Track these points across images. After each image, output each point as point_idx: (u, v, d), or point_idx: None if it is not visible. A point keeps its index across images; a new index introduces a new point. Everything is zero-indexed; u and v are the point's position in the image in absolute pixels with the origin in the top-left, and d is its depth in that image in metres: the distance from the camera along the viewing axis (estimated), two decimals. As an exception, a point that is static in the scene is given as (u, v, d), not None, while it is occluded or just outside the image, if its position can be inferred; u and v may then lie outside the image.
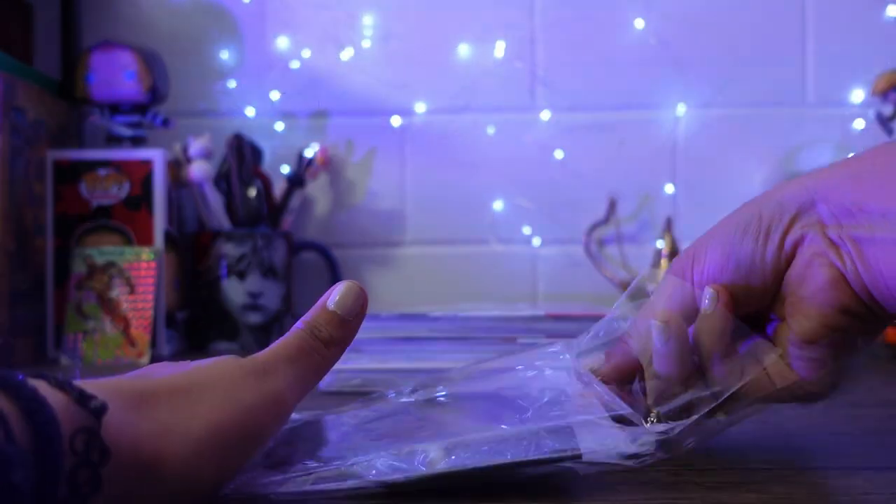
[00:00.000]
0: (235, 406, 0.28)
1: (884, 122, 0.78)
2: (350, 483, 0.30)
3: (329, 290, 0.34)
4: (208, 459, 0.27)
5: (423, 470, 0.30)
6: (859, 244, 0.31)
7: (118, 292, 0.75)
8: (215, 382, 0.28)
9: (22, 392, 0.22)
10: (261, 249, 0.81)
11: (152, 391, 0.27)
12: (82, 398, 0.23)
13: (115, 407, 0.24)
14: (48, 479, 0.21)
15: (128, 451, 0.24)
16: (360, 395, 0.53)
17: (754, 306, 0.35)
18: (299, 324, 0.33)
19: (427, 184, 0.93)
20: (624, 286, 0.84)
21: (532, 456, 0.31)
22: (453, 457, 0.31)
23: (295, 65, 0.93)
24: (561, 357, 0.38)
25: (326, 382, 0.55)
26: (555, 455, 0.31)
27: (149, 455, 0.25)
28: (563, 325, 0.60)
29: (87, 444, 0.23)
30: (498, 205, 0.93)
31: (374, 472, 0.30)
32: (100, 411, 0.23)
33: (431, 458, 0.30)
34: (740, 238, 0.35)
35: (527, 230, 0.93)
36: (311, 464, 0.32)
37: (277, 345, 0.32)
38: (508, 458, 0.31)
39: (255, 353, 0.31)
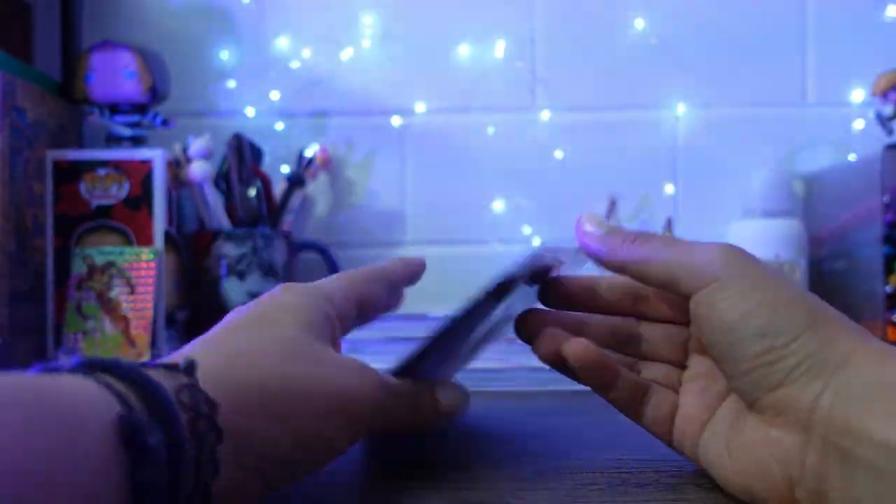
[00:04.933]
0: (332, 383, 0.29)
1: (884, 122, 0.78)
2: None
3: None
4: (304, 430, 0.28)
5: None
6: (848, 462, 0.25)
7: (118, 292, 0.75)
8: (306, 355, 0.30)
9: (125, 371, 0.23)
10: (261, 249, 0.81)
11: (235, 350, 0.28)
12: (167, 366, 0.25)
13: (207, 362, 0.26)
14: (174, 436, 0.22)
15: (232, 403, 0.25)
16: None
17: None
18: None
19: (427, 184, 0.93)
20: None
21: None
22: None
23: (295, 65, 0.93)
24: None
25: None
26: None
27: (251, 411, 0.26)
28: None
29: (192, 398, 0.24)
30: (498, 205, 0.93)
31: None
32: (190, 367, 0.25)
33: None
34: (745, 324, 0.29)
35: (527, 230, 0.93)
36: None
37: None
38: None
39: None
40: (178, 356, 0.27)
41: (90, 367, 0.23)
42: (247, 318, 0.31)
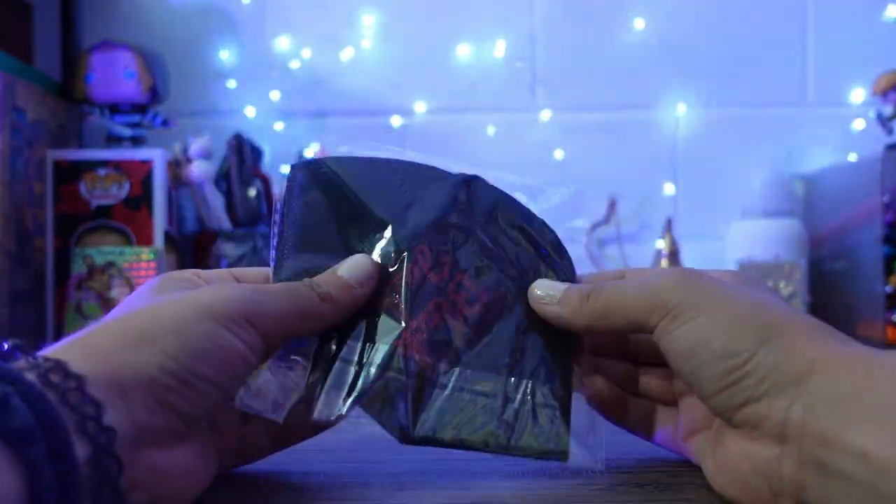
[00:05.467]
0: (183, 301, 0.29)
1: (884, 122, 0.78)
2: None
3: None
4: (172, 350, 0.27)
5: (418, 433, 0.32)
6: (826, 471, 0.25)
7: (118, 292, 0.75)
8: (167, 326, 0.29)
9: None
10: (261, 249, 0.81)
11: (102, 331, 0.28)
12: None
13: (65, 350, 0.26)
14: (22, 389, 0.22)
15: (92, 363, 0.25)
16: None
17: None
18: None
19: (427, 184, 0.93)
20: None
21: (517, 450, 0.32)
22: (448, 429, 0.32)
23: (295, 65, 0.93)
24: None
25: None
26: (541, 453, 0.32)
27: (112, 357, 0.26)
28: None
29: (32, 362, 0.24)
30: (498, 205, 0.93)
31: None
32: (15, 346, 0.26)
33: (428, 425, 0.32)
34: (707, 356, 0.29)
35: (527, 230, 0.93)
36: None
37: (270, 284, 0.33)
38: (492, 444, 0.32)
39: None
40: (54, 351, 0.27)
41: None
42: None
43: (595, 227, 0.91)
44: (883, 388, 0.25)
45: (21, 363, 0.24)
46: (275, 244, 0.34)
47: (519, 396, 0.33)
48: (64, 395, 0.23)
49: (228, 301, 0.29)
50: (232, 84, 0.93)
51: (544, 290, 0.35)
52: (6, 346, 0.27)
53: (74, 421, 0.23)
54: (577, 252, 0.98)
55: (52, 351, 0.26)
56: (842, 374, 0.26)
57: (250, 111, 0.93)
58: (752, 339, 0.28)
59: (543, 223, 0.40)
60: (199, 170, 0.81)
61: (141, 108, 0.82)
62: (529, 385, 0.34)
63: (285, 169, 0.91)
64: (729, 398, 0.28)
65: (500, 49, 0.92)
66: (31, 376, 0.23)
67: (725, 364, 0.28)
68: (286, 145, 0.93)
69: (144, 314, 0.28)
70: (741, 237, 0.86)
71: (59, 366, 0.24)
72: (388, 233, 0.36)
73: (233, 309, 0.29)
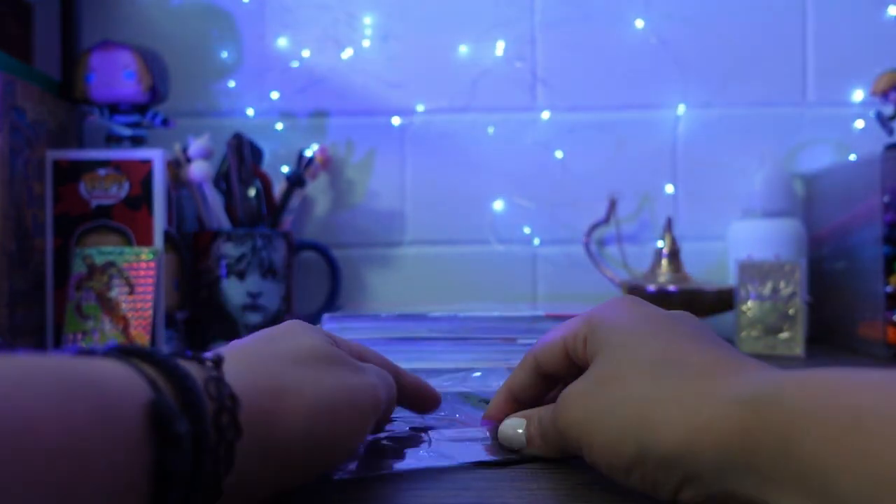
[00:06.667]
0: (342, 381, 0.31)
1: (884, 121, 0.78)
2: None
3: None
4: (319, 424, 0.28)
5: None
6: None
7: (118, 292, 0.75)
8: (318, 357, 0.31)
9: (156, 358, 0.24)
10: (260, 249, 0.81)
11: (263, 353, 0.30)
12: (197, 358, 0.26)
13: (229, 362, 0.27)
14: (200, 427, 0.23)
15: (249, 400, 0.26)
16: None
17: None
18: None
19: (427, 184, 0.93)
20: (624, 286, 0.84)
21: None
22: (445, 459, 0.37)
23: (295, 65, 0.93)
24: None
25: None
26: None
27: (268, 407, 0.27)
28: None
29: (218, 390, 0.25)
30: (498, 205, 0.93)
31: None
32: (218, 362, 0.26)
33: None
34: (624, 474, 0.30)
35: (527, 230, 0.93)
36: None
37: None
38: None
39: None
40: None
41: (123, 353, 0.24)
42: (263, 333, 0.33)
43: (595, 227, 0.91)
44: (764, 457, 0.24)
45: (210, 387, 0.25)
46: None
47: None
48: (217, 445, 0.24)
49: (388, 401, 0.34)
50: (232, 84, 0.93)
51: (509, 440, 0.37)
52: None
53: (209, 475, 0.24)
54: (577, 252, 0.98)
55: (232, 369, 0.27)
56: (721, 442, 0.26)
57: (250, 111, 0.93)
58: (630, 453, 0.29)
59: None
60: (198, 170, 0.81)
61: (141, 108, 0.82)
62: None
63: (285, 169, 0.92)
64: (661, 495, 0.28)
65: (499, 49, 0.92)
66: (210, 410, 0.24)
67: (634, 477, 0.29)
68: (286, 145, 0.93)
69: (343, 391, 0.30)
70: (741, 237, 0.86)
71: (233, 409, 0.25)
72: None
73: (382, 410, 0.34)
